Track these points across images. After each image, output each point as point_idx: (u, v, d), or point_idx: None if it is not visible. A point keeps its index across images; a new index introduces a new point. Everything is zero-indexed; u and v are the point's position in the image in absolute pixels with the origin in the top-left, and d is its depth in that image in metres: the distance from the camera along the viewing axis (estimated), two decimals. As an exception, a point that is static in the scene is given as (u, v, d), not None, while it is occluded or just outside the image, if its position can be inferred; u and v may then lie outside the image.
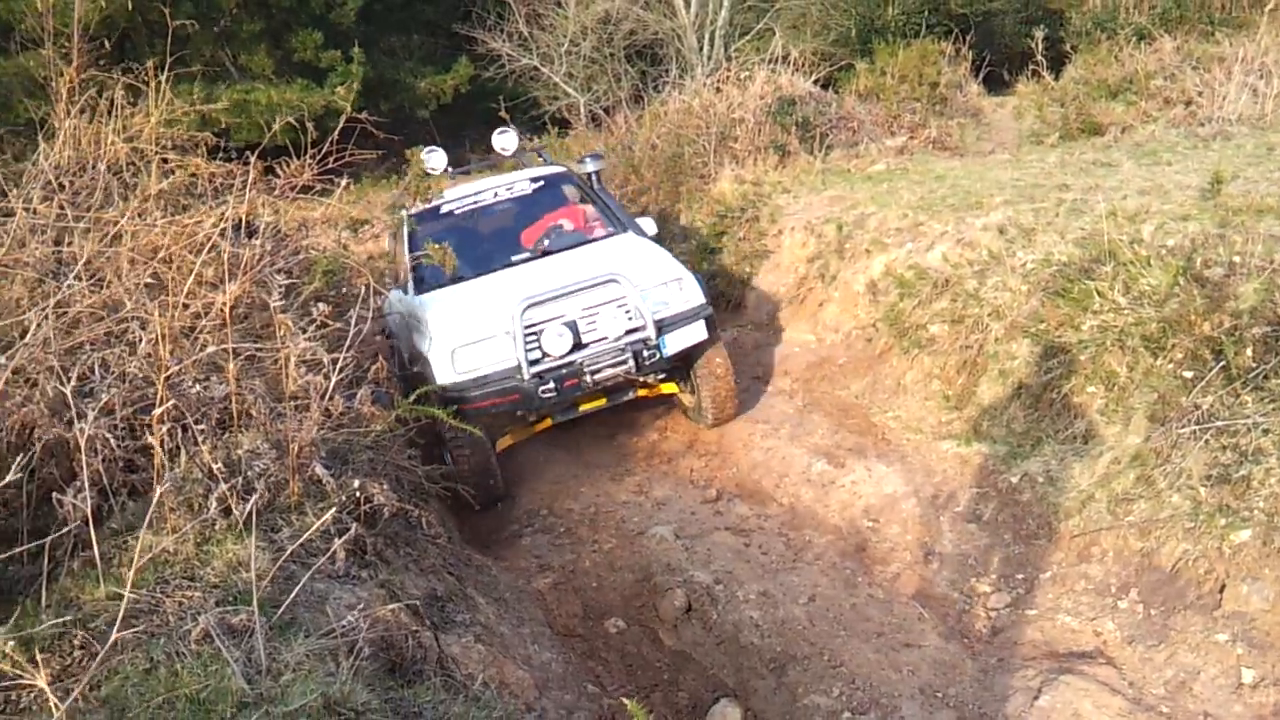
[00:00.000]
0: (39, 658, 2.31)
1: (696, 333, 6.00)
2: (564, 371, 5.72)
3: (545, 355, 5.71)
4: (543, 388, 5.68)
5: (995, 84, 15.53)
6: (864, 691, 3.99)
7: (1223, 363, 4.50)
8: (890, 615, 4.49)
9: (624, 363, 5.80)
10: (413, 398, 4.58)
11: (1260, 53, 10.88)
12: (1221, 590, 3.98)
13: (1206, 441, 4.37)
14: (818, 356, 7.40)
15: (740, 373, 7.44)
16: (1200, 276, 5.00)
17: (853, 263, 7.82)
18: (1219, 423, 4.35)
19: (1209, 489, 4.25)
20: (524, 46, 17.07)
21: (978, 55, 14.97)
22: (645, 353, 5.82)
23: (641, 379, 6.24)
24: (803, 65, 13.14)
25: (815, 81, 13.19)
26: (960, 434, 5.68)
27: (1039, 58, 12.97)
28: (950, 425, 5.83)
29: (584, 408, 6.27)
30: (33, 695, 2.52)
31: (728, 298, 9.07)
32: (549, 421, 6.37)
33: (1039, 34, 13.26)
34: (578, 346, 5.75)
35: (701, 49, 16.68)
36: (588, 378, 5.75)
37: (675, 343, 5.92)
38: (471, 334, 5.76)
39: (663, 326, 5.88)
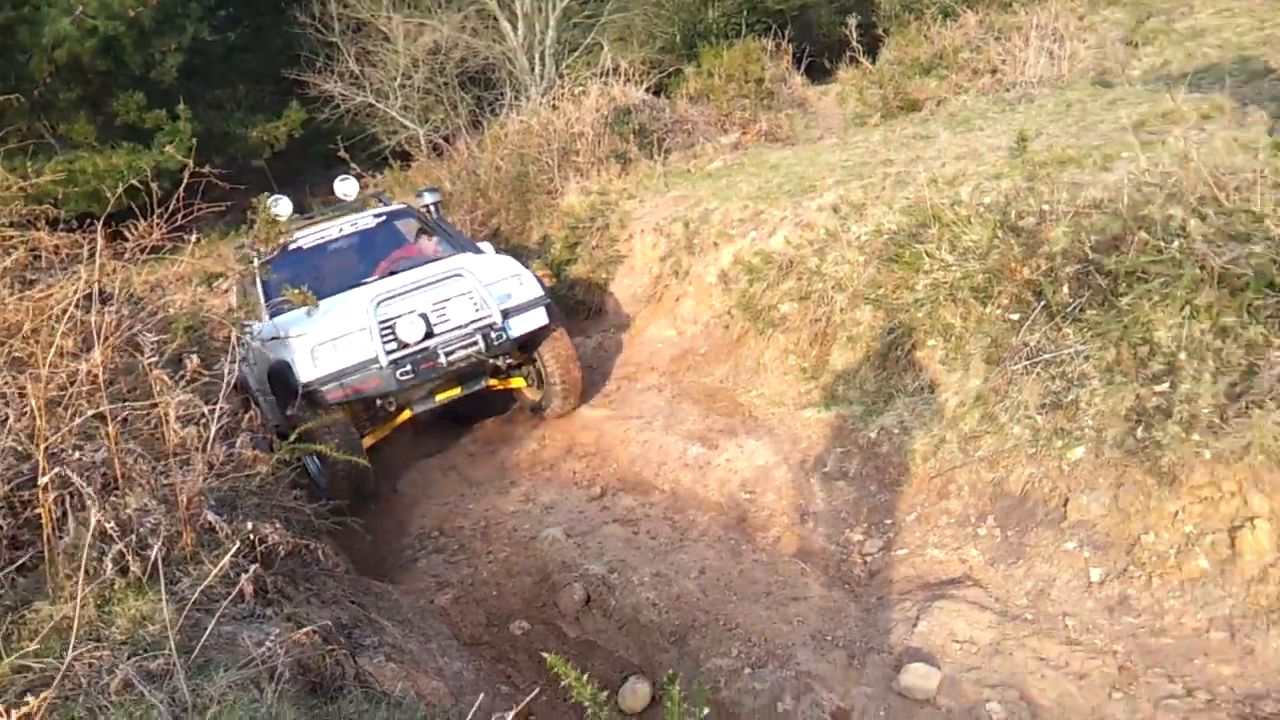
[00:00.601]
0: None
1: (538, 318, 6.67)
2: (419, 356, 6.25)
3: (401, 345, 6.23)
4: (400, 371, 6.18)
5: (818, 73, 16.16)
6: (760, 647, 4.26)
7: (1044, 302, 4.94)
8: (775, 575, 4.79)
9: (474, 344, 6.38)
10: (293, 437, 4.66)
11: (1053, 19, 11.72)
12: (1065, 504, 4.40)
13: (1038, 374, 4.81)
14: (680, 349, 7.71)
15: (608, 374, 7.72)
16: (1016, 227, 5.45)
17: (702, 256, 8.17)
18: (1046, 356, 4.79)
19: (1044, 416, 4.68)
20: (356, 84, 17.01)
21: (798, 48, 15.56)
22: (493, 335, 6.43)
23: (492, 363, 6.83)
24: (633, 75, 13.48)
25: (647, 89, 13.55)
26: (819, 401, 6.05)
27: (854, 44, 13.59)
28: (809, 394, 6.20)
29: (440, 397, 6.82)
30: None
31: (587, 305, 9.32)
32: (409, 413, 6.86)
33: (852, 22, 13.88)
34: (430, 335, 6.30)
35: (534, 69, 16.91)
36: (442, 359, 6.29)
37: (519, 326, 6.57)
38: (330, 332, 6.21)
39: (507, 313, 6.53)
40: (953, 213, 5.88)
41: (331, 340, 6.18)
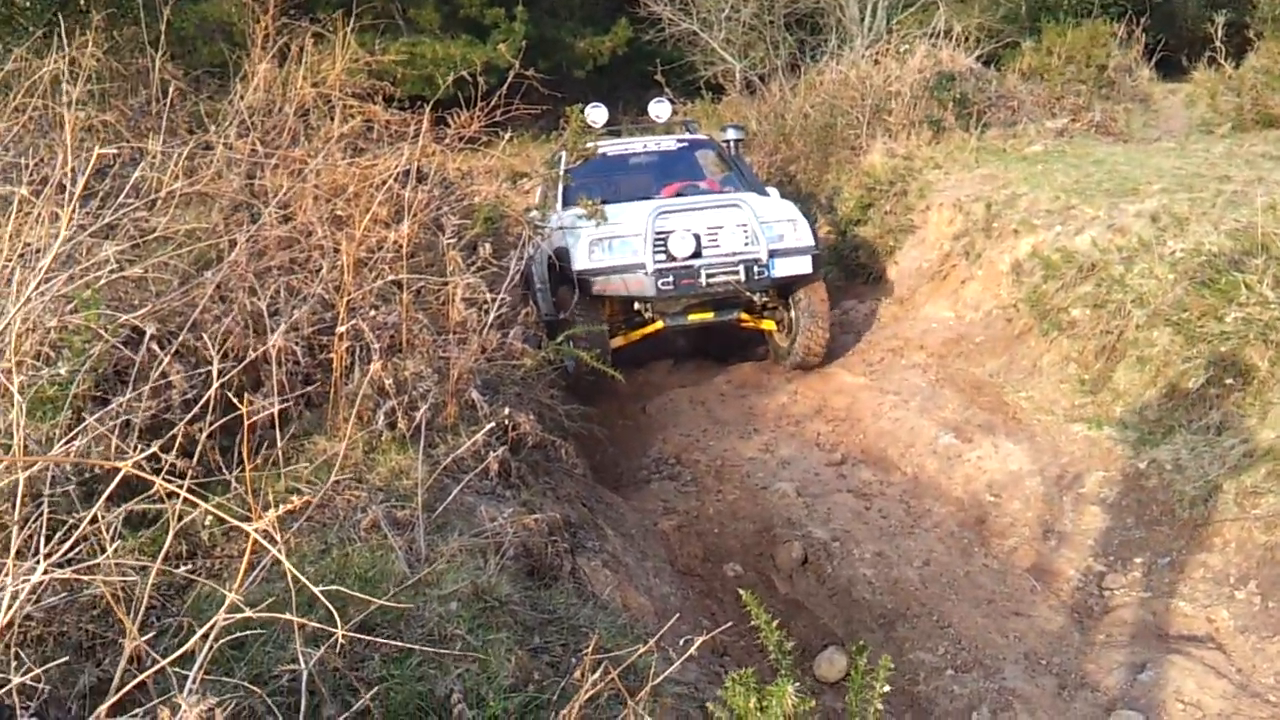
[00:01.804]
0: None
1: (803, 265, 6.87)
2: (683, 271, 6.62)
3: (669, 257, 6.63)
4: (662, 280, 6.59)
5: (1171, 69, 14.93)
6: (969, 652, 4.13)
7: (1370, 363, 4.43)
8: (1003, 585, 4.61)
9: (735, 273, 6.66)
10: (560, 339, 4.89)
11: None
12: (1344, 589, 3.97)
13: (1345, 441, 4.33)
14: (955, 333, 7.44)
15: (876, 344, 7.58)
16: (1356, 275, 4.89)
17: (999, 242, 7.80)
18: (1360, 423, 4.30)
19: (1343, 489, 4.22)
20: (684, 10, 17.20)
21: (1153, 39, 14.41)
22: (756, 269, 6.69)
23: (749, 297, 7.05)
24: (966, 41, 12.91)
25: (978, 58, 12.96)
26: (1092, 418, 5.68)
27: (1218, 43, 12.41)
28: (1083, 409, 5.83)
29: (693, 317, 7.15)
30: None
31: (869, 270, 9.15)
32: (661, 324, 7.19)
33: (1221, 19, 12.67)
34: (698, 255, 6.68)
35: (863, 20, 16.50)
36: (703, 279, 6.63)
37: (783, 268, 6.78)
38: (610, 231, 6.69)
39: (774, 253, 6.76)
40: (1287, 246, 5.33)
41: (610, 239, 6.66)
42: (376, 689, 2.25)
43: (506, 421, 4.01)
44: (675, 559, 4.94)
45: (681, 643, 2.48)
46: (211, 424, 2.78)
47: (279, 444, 3.42)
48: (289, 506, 1.73)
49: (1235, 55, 12.74)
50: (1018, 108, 12.03)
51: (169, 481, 2.06)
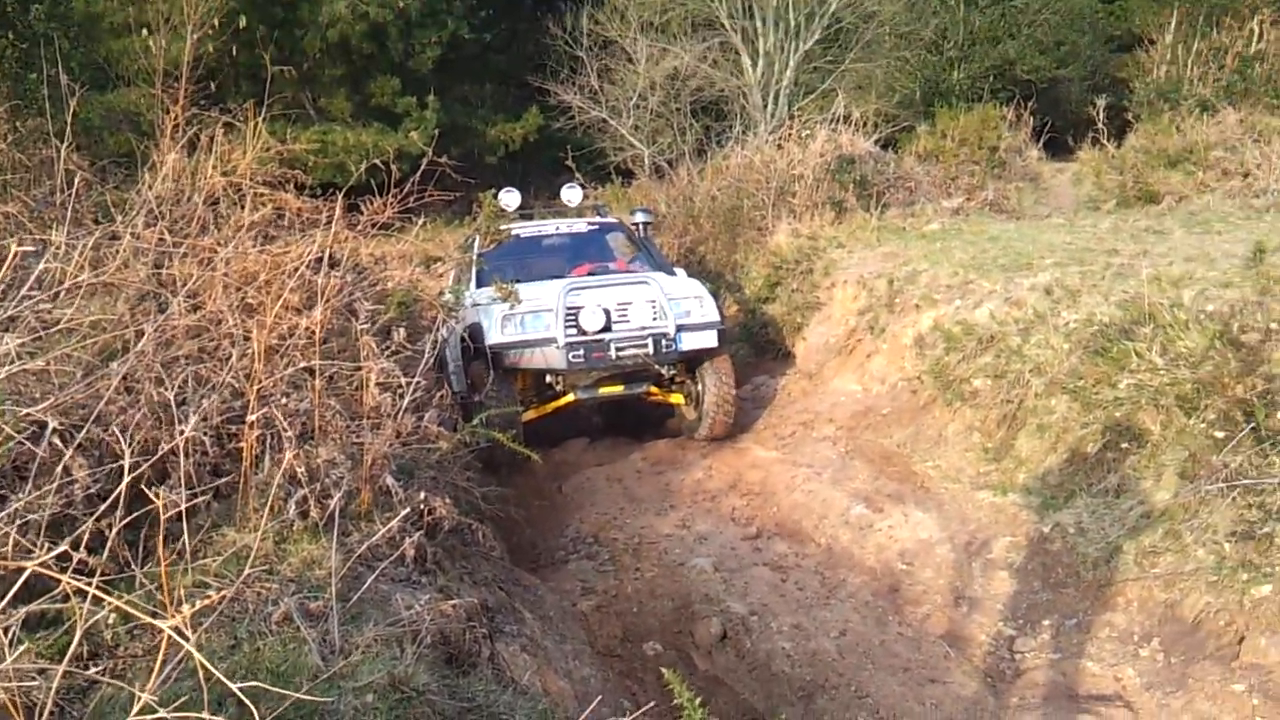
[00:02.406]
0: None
1: (709, 339, 7.18)
2: (593, 345, 6.89)
3: (580, 331, 6.89)
4: (573, 354, 6.85)
5: (1058, 149, 15.71)
6: (887, 722, 4.17)
7: (1253, 424, 4.65)
8: (918, 653, 4.67)
9: (644, 346, 6.98)
10: (476, 420, 4.89)
11: (1323, 127, 11.00)
12: (1240, 642, 4.11)
13: (1234, 499, 4.52)
14: (863, 405, 7.62)
15: (787, 419, 7.71)
16: (1236, 341, 5.16)
17: (902, 317, 8.05)
18: (1246, 481, 4.50)
19: (1233, 545, 4.39)
20: (594, 99, 17.61)
21: (1040, 121, 15.19)
22: (664, 343, 7.00)
23: (657, 370, 7.29)
24: (864, 125, 13.45)
25: (876, 141, 13.50)
26: (997, 484, 5.85)
27: (1101, 125, 13.13)
28: (988, 476, 6.01)
29: (604, 390, 7.40)
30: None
31: (778, 347, 9.34)
32: (572, 397, 7.39)
33: (1102, 102, 13.44)
34: (607, 329, 6.94)
35: (766, 106, 17.09)
36: (612, 353, 6.90)
37: (690, 342, 7.11)
38: (521, 306, 6.86)
39: (681, 328, 7.08)
40: (1171, 315, 5.61)
41: (522, 314, 6.87)
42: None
43: (422, 506, 3.99)
44: (595, 640, 4.91)
45: (616, 707, 2.49)
46: (119, 519, 2.73)
47: (187, 538, 3.35)
48: (205, 601, 1.72)
49: (1117, 136, 13.50)
50: (915, 188, 12.52)
51: (77, 579, 2.02)
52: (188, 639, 1.76)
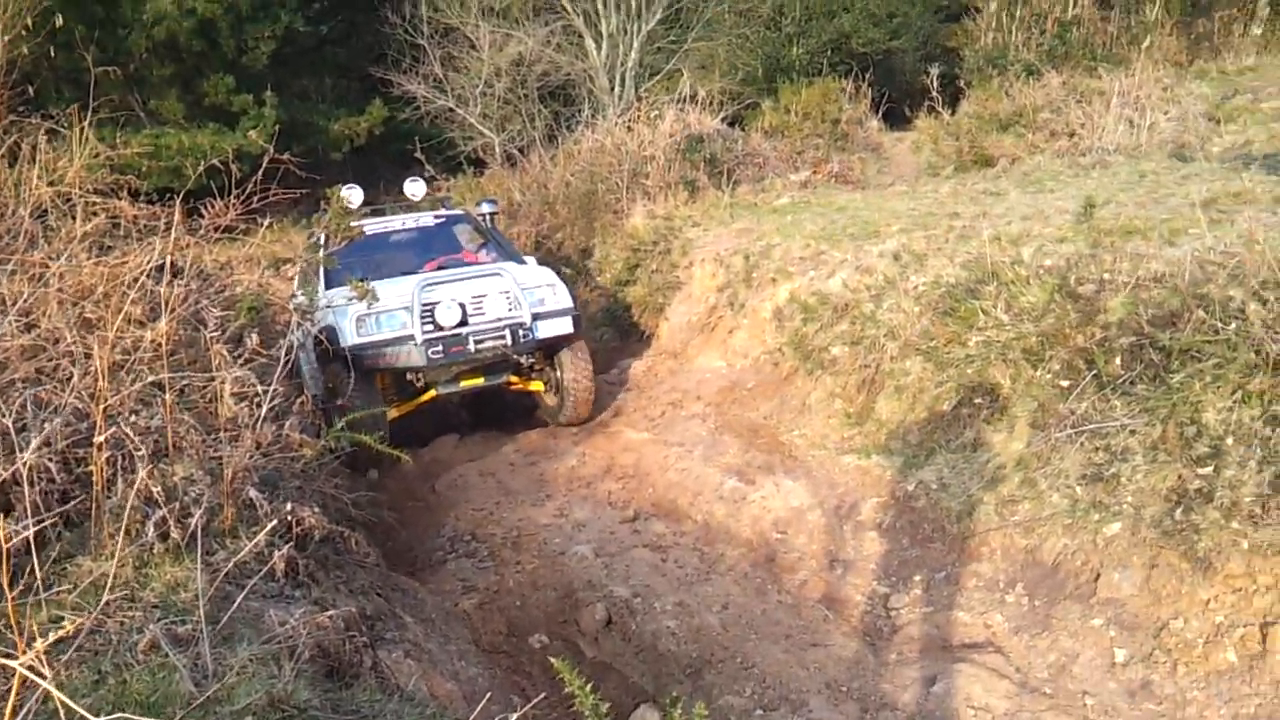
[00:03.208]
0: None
1: (564, 325, 7.25)
2: (451, 340, 6.87)
3: (437, 327, 6.86)
4: (432, 350, 6.81)
5: (897, 120, 16.19)
6: (774, 690, 4.25)
7: (1095, 371, 4.90)
8: (798, 619, 4.78)
9: (502, 338, 6.99)
10: (340, 424, 4.76)
11: (1136, 87, 11.65)
12: (1096, 579, 4.35)
13: (1082, 444, 4.77)
14: (728, 381, 7.74)
15: (655, 399, 7.76)
16: (1074, 293, 5.42)
17: (760, 291, 8.20)
18: (1092, 426, 4.75)
19: (1084, 487, 4.64)
20: (439, 88, 17.28)
21: (878, 93, 15.63)
22: (521, 332, 7.03)
23: (516, 360, 7.45)
24: (711, 104, 13.59)
25: (723, 119, 13.65)
26: (861, 448, 6.04)
27: (935, 94, 13.61)
28: (851, 440, 6.19)
29: (465, 383, 7.41)
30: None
31: (641, 329, 9.40)
32: (434, 393, 7.41)
33: (935, 71, 13.94)
34: (464, 323, 6.94)
35: (613, 89, 17.09)
36: (471, 346, 6.91)
37: (546, 329, 7.16)
38: (375, 306, 6.73)
39: (537, 316, 7.13)
40: (1013, 272, 5.86)
41: (377, 314, 6.79)
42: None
43: (290, 518, 3.85)
44: (479, 638, 4.86)
45: (505, 703, 2.46)
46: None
47: (38, 570, 3.15)
48: (61, 632, 1.61)
49: (951, 103, 14.01)
50: (764, 164, 12.75)
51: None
52: (44, 676, 1.65)
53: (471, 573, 5.58)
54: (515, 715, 2.27)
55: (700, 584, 5.15)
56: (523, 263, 8.16)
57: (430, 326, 6.86)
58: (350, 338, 6.73)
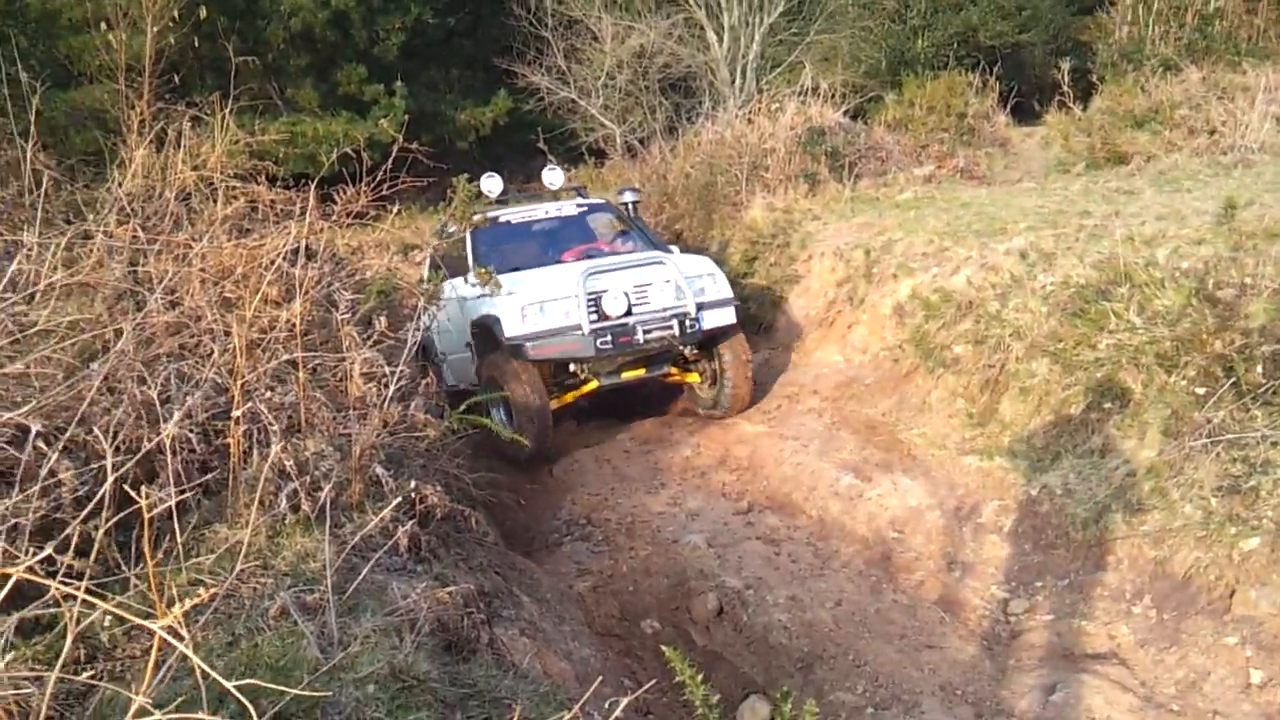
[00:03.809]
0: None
1: (727, 315, 7.11)
2: (619, 330, 6.75)
3: (604, 316, 6.74)
4: (600, 340, 6.69)
5: (1025, 114, 15.75)
6: (886, 689, 4.20)
7: (1233, 379, 4.70)
8: (913, 619, 4.70)
9: (670, 328, 6.84)
10: (463, 407, 4.87)
11: (1285, 82, 11.07)
12: (1231, 596, 4.16)
13: (1218, 454, 4.57)
14: (846, 377, 7.65)
15: (772, 392, 7.73)
16: (1212, 297, 5.20)
17: (880, 286, 8.08)
18: (1229, 436, 4.54)
19: (1219, 499, 4.44)
20: (562, 80, 17.50)
21: (1006, 86, 15.21)
22: (687, 323, 6.87)
23: (679, 350, 7.23)
24: (833, 97, 13.44)
25: (845, 112, 13.48)
26: (983, 449, 5.89)
27: (1066, 89, 13.18)
28: (973, 441, 6.05)
29: (627, 374, 7.25)
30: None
31: (759, 321, 9.34)
32: (595, 383, 7.25)
33: (1066, 65, 13.48)
34: (629, 313, 6.80)
35: (734, 81, 17.05)
36: (639, 336, 6.76)
37: (711, 320, 6.99)
38: (539, 295, 6.74)
39: (701, 306, 6.96)
40: (1146, 274, 5.65)
41: (540, 302, 6.70)
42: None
43: (414, 495, 3.96)
44: (592, 620, 4.92)
45: (606, 705, 2.48)
46: (107, 520, 2.69)
47: (178, 536, 3.31)
48: (196, 599, 1.69)
49: (1082, 98, 13.54)
50: (886, 157, 12.54)
51: (65, 584, 1.99)
52: (182, 638, 1.73)
53: (586, 556, 5.65)
54: (626, 699, 2.29)
55: (813, 579, 5.11)
56: (669, 252, 7.94)
57: (596, 316, 6.73)
58: (514, 328, 6.66)
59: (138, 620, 1.99)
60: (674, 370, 7.56)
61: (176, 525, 3.35)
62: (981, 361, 6.40)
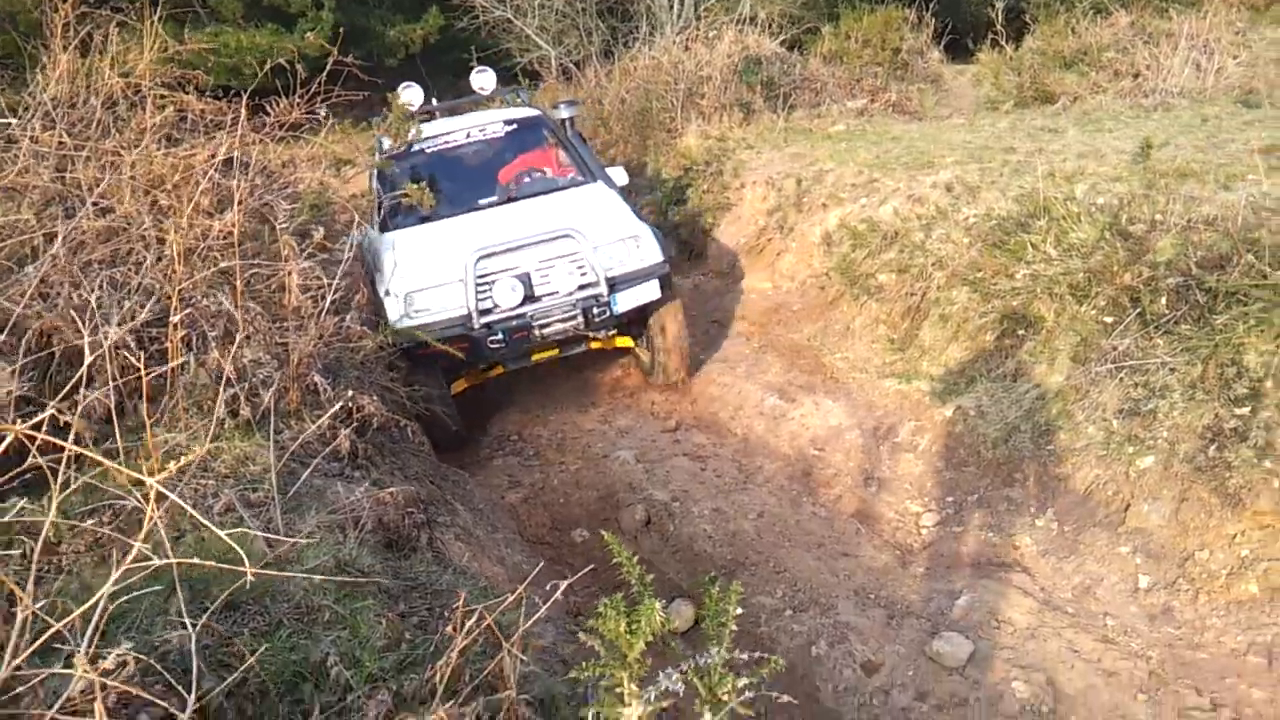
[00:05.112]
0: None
1: (649, 292, 6.03)
2: (514, 323, 5.74)
3: (496, 306, 5.73)
4: (491, 338, 5.71)
5: (958, 52, 15.92)
6: (805, 593, 4.43)
7: (1139, 310, 4.94)
8: (830, 530, 4.94)
9: (573, 318, 5.84)
10: (395, 322, 4.91)
11: (1207, 30, 11.36)
12: (1126, 509, 4.45)
13: (1121, 379, 4.83)
14: (774, 303, 7.83)
15: (701, 317, 7.87)
16: (1125, 232, 5.44)
17: (809, 216, 8.24)
18: (1132, 363, 4.80)
19: (1120, 421, 4.71)
20: (496, -2, 17.19)
21: (941, 24, 15.34)
22: (595, 309, 5.85)
23: (591, 335, 6.26)
24: (770, 26, 13.44)
25: (781, 43, 13.50)
26: (902, 373, 6.13)
27: (999, 28, 13.35)
28: (893, 365, 6.28)
29: (536, 358, 6.33)
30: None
31: (690, 247, 9.47)
32: (501, 369, 6.47)
33: (1000, 4, 13.64)
34: (529, 299, 5.77)
35: (672, 7, 16.87)
36: (536, 331, 5.80)
37: (626, 300, 5.95)
38: (426, 279, 5.77)
39: (615, 284, 5.90)
40: (1064, 208, 5.87)
41: (427, 289, 5.75)
42: (249, 660, 2.30)
43: (350, 404, 4.04)
44: (524, 529, 5.08)
45: (548, 587, 2.63)
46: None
47: (119, 437, 3.36)
48: (188, 458, 1.79)
49: (1015, 38, 13.72)
50: (821, 90, 12.63)
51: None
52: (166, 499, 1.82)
53: (518, 469, 5.79)
54: (565, 583, 2.44)
55: (737, 493, 5.32)
56: (612, 183, 7.05)
57: (489, 303, 5.73)
58: (398, 318, 5.65)
59: (136, 475, 2.08)
60: (597, 343, 6.53)
61: (116, 427, 3.40)
62: (904, 290, 6.61)
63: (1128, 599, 4.12)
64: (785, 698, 2.27)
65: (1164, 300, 4.88)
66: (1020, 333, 5.58)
